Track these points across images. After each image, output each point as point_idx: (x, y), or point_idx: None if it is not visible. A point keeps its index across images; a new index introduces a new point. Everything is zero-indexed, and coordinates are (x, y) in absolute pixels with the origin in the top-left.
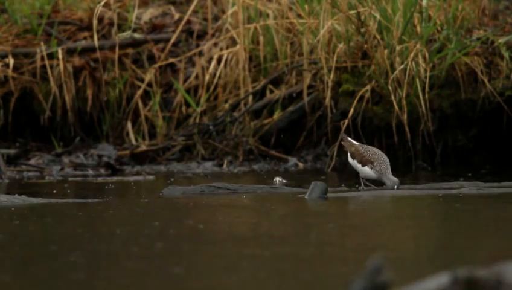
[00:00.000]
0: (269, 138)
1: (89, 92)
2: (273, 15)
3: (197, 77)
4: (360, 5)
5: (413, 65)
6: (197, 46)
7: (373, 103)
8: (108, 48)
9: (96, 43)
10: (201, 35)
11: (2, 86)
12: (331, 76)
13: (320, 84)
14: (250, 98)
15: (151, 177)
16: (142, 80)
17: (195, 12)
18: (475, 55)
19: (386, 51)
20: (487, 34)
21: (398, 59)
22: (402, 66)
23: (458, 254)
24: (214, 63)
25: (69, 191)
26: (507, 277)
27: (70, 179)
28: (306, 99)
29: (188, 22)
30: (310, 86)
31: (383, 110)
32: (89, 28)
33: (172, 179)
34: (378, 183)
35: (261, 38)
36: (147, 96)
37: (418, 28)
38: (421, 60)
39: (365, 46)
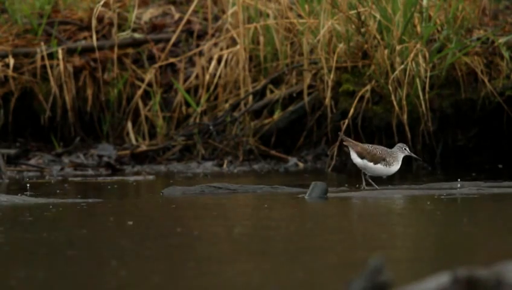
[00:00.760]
0: (269, 138)
1: (89, 92)
2: (273, 15)
3: (197, 76)
4: (360, 5)
5: (413, 65)
6: (197, 46)
7: (373, 102)
8: (108, 48)
9: (95, 43)
10: (202, 35)
11: (2, 86)
12: (331, 76)
13: (320, 84)
14: (250, 98)
15: (151, 177)
16: (142, 80)
17: (195, 12)
18: (475, 55)
19: (386, 51)
20: (487, 34)
21: (398, 59)
22: (402, 66)
23: (458, 254)
24: (214, 63)
25: (69, 191)
26: (507, 277)
27: (70, 179)
28: (306, 99)
29: (188, 21)
30: (310, 86)
31: (383, 110)
32: (89, 28)
33: (171, 181)
34: (379, 180)
35: (261, 38)
36: (147, 96)
37: (418, 28)
38: (421, 60)
39: (365, 46)
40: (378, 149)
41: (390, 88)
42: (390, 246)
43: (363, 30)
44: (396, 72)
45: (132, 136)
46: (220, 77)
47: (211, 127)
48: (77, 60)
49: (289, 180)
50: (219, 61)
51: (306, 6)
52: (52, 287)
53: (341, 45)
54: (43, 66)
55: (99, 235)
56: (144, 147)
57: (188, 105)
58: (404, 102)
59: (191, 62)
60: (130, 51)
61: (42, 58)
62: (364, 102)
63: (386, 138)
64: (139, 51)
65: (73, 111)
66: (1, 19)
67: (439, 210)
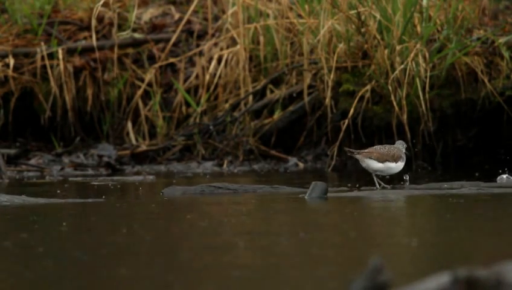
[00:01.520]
0: (269, 138)
1: (89, 92)
2: (273, 15)
3: (197, 76)
4: (360, 5)
5: (413, 65)
6: (197, 46)
7: (373, 102)
8: (108, 48)
9: (94, 43)
10: (202, 35)
11: (3, 86)
12: (331, 76)
13: (320, 84)
14: (251, 98)
15: (151, 177)
16: (142, 80)
17: (195, 12)
18: (475, 55)
19: (386, 51)
20: (487, 34)
21: (398, 59)
22: (402, 66)
23: (458, 254)
24: (214, 63)
25: (69, 191)
26: (507, 277)
27: (70, 179)
28: (306, 99)
29: (188, 22)
30: (310, 86)
31: (383, 110)
32: (89, 28)
33: (175, 181)
34: (382, 179)
35: (261, 38)
36: (147, 96)
37: (418, 28)
38: (421, 60)
39: (365, 46)
40: (391, 148)
41: (390, 88)
42: (390, 246)
43: (363, 30)
44: (396, 72)
45: (132, 136)
46: (220, 77)
47: (211, 127)
48: (77, 60)
49: (289, 180)
50: (219, 61)
51: (306, 6)
52: (51, 287)
53: (341, 45)
54: (43, 66)
55: (97, 236)
56: (143, 147)
57: (188, 105)
58: (404, 102)
59: (191, 62)
60: (130, 51)
61: (42, 58)
62: (364, 102)
63: (386, 138)
64: (139, 51)
65: (73, 111)
66: (1, 19)
67: (439, 210)
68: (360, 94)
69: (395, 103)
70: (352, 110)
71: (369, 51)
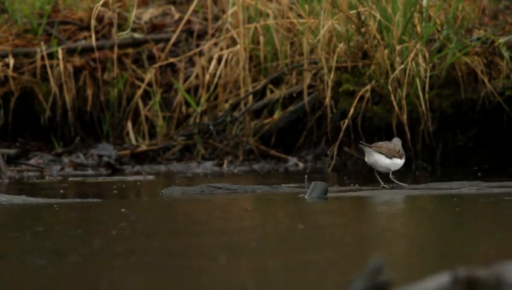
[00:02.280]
0: (269, 138)
1: (89, 92)
2: (273, 15)
3: (197, 76)
4: (360, 4)
5: (413, 65)
6: (197, 46)
7: (373, 102)
8: (108, 48)
9: (94, 43)
10: (202, 35)
11: (2, 85)
12: (331, 76)
13: (320, 84)
14: (251, 98)
15: (151, 177)
16: (142, 80)
17: (195, 12)
18: (475, 55)
19: (386, 51)
20: (487, 34)
21: (398, 59)
22: (402, 66)
23: (458, 254)
24: (214, 62)
25: (69, 191)
26: (507, 277)
27: (70, 179)
28: (306, 99)
29: (188, 21)
30: (310, 86)
31: (383, 110)
32: (89, 27)
33: (178, 181)
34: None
35: (261, 38)
36: (147, 96)
37: (418, 28)
38: (421, 60)
39: (365, 46)
40: (395, 144)
41: (390, 88)
42: (390, 246)
43: (363, 30)
44: (396, 72)
45: (132, 136)
46: (220, 76)
47: (211, 127)
48: (77, 60)
49: (289, 180)
50: (219, 61)
51: (306, 6)
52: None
53: (341, 45)
54: (43, 66)
55: (97, 235)
56: (143, 147)
57: (188, 105)
58: (404, 102)
59: (191, 62)
60: (130, 51)
61: (42, 58)
62: (364, 102)
63: (386, 138)
64: (139, 51)
65: (73, 111)
66: (1, 19)
67: (439, 210)
68: (360, 94)
69: (395, 103)
70: (352, 110)
71: (369, 51)
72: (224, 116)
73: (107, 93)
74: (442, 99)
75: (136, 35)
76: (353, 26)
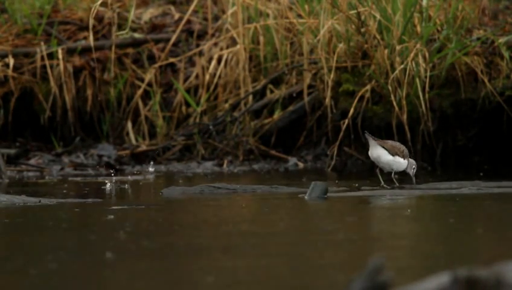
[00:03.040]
0: (269, 138)
1: (89, 92)
2: (273, 15)
3: (197, 76)
4: (360, 5)
5: (413, 65)
6: (197, 46)
7: (373, 102)
8: (108, 48)
9: (92, 43)
10: (202, 35)
11: (2, 85)
12: (331, 76)
13: (320, 84)
14: (250, 98)
15: (151, 177)
16: (142, 80)
17: (195, 12)
18: (475, 55)
19: (386, 51)
20: (487, 33)
21: (398, 59)
22: (402, 66)
23: (458, 254)
24: (214, 62)
25: (69, 191)
26: (507, 277)
27: (70, 179)
28: (306, 99)
29: (188, 21)
30: (310, 86)
31: (383, 110)
32: (89, 27)
33: (180, 181)
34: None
35: (261, 38)
36: (147, 96)
37: (418, 28)
38: (421, 60)
39: (365, 46)
40: (401, 144)
41: (390, 88)
42: (390, 246)
43: (363, 30)
44: (396, 72)
45: (132, 136)
46: (220, 76)
47: (211, 127)
48: (77, 60)
49: (289, 180)
50: (219, 61)
51: (306, 6)
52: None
53: (341, 45)
54: (43, 66)
55: (96, 236)
56: (143, 147)
57: (188, 105)
58: (404, 102)
59: (191, 62)
60: (130, 50)
61: (42, 58)
62: (364, 102)
63: (386, 138)
64: (139, 51)
65: (73, 111)
66: (1, 19)
67: (438, 210)
68: (360, 94)
69: (395, 103)
70: (352, 110)
71: (369, 51)
72: (224, 116)
73: (107, 93)
74: (442, 99)
75: (136, 35)
76: (353, 26)
